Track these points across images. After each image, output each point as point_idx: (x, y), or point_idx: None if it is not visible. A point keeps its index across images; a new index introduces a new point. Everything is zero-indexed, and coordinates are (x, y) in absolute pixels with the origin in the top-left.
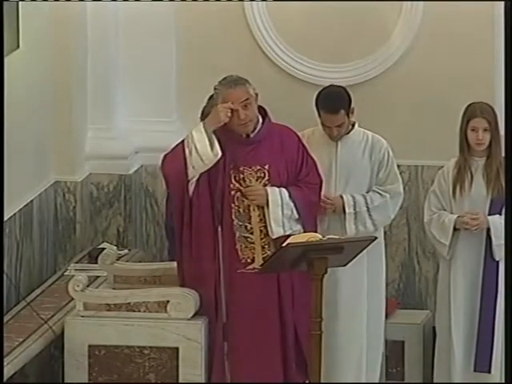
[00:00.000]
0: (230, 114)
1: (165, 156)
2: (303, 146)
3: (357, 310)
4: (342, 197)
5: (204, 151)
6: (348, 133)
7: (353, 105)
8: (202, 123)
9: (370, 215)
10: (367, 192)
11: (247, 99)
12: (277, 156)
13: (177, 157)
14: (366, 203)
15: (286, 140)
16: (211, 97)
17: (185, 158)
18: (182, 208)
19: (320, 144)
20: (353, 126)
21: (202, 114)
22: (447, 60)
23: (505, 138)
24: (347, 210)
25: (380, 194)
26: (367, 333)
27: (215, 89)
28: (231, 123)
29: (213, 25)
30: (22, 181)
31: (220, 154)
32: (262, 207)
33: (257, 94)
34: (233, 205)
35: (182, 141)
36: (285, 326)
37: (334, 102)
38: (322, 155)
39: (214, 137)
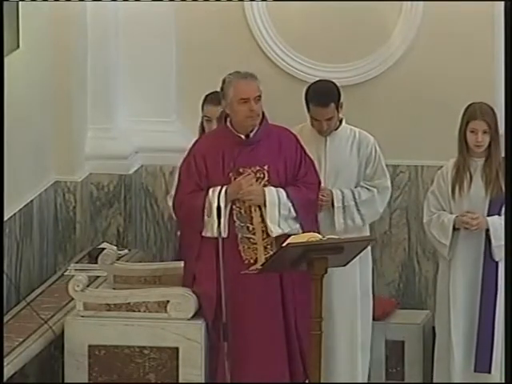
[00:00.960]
0: (254, 181)
1: (181, 203)
2: (301, 146)
3: (349, 312)
4: (331, 191)
5: (210, 227)
6: (336, 129)
7: (342, 99)
8: (224, 192)
9: (358, 210)
10: (355, 187)
11: (260, 95)
12: (275, 156)
13: (195, 214)
14: (354, 198)
15: (283, 140)
16: (208, 96)
17: (203, 218)
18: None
19: (309, 140)
20: (340, 122)
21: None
22: (447, 60)
23: (505, 138)
24: (336, 204)
25: (368, 188)
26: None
27: (226, 79)
28: (239, 114)
29: (213, 25)
30: (22, 181)
31: (225, 234)
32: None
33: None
34: (234, 206)
35: (206, 192)
36: (288, 326)
37: (324, 96)
38: (311, 151)
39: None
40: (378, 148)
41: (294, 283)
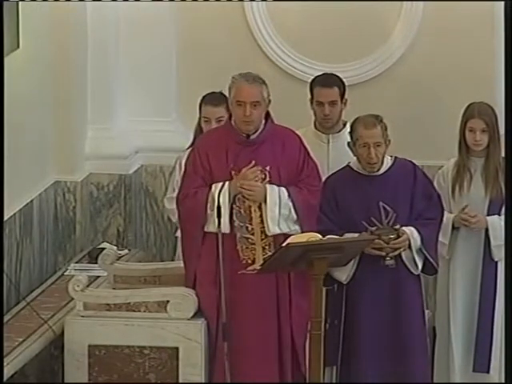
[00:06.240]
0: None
1: (184, 198)
2: (305, 148)
3: None
4: None
5: (213, 222)
6: (339, 131)
7: (346, 95)
8: (228, 184)
9: None
10: None
11: (258, 101)
12: (278, 157)
13: (198, 209)
14: None
15: (287, 142)
16: (206, 97)
17: (206, 213)
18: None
19: (312, 143)
20: (344, 125)
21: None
22: (447, 60)
23: (505, 138)
24: None
25: None
26: None
27: (232, 78)
28: (235, 116)
29: (213, 25)
30: (22, 181)
31: (227, 230)
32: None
33: (270, 101)
34: (234, 205)
35: (209, 187)
36: (282, 326)
37: (328, 77)
38: (314, 154)
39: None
40: None
41: (289, 283)
